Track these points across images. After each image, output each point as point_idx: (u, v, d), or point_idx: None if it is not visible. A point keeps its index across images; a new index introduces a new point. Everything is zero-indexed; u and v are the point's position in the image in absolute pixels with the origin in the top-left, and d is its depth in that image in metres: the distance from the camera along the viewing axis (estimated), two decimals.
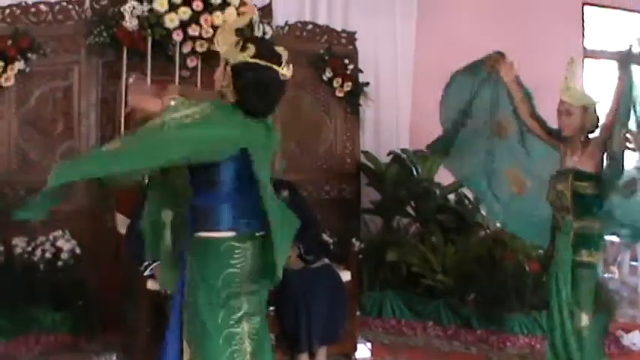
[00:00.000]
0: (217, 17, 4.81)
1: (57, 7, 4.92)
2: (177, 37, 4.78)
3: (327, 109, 5.93)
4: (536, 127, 3.99)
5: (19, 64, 4.74)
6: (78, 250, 4.63)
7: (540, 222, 4.00)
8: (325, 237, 5.21)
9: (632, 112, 3.60)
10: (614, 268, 5.78)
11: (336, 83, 5.83)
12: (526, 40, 6.34)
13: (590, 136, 3.78)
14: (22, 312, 4.45)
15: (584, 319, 3.63)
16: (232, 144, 2.51)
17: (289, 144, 5.53)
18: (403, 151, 6.07)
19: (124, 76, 4.86)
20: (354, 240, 5.42)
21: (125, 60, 4.86)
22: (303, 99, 5.75)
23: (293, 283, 4.01)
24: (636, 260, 6.75)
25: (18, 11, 4.84)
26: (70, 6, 4.94)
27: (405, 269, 5.38)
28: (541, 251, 4.93)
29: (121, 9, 4.80)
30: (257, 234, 2.61)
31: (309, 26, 5.88)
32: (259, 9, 5.21)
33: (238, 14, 4.63)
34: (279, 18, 5.72)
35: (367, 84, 6.02)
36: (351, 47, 6.00)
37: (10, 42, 4.70)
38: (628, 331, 4.95)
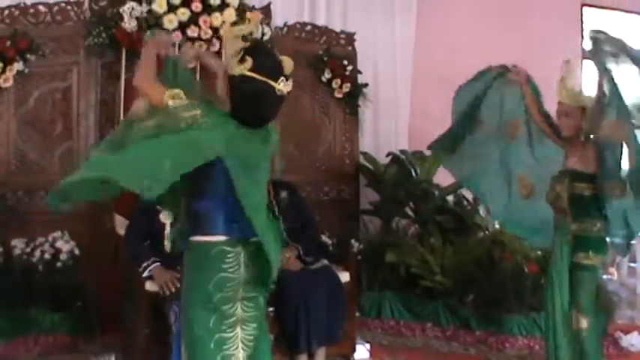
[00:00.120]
0: (216, 18, 4.82)
1: (56, 8, 4.92)
2: (176, 38, 4.78)
3: (326, 110, 5.94)
4: (545, 126, 3.97)
5: (17, 65, 4.74)
6: (77, 252, 4.63)
7: (544, 223, 3.98)
8: (324, 238, 5.21)
9: (613, 103, 3.59)
10: (612, 270, 5.77)
11: (335, 84, 5.83)
12: (525, 41, 6.35)
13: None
14: (21, 313, 4.44)
15: (583, 322, 3.61)
16: (210, 151, 2.48)
17: (288, 145, 5.53)
18: (402, 152, 6.08)
19: (123, 77, 4.86)
20: (352, 241, 5.43)
21: (124, 61, 4.86)
22: (302, 100, 5.75)
23: (292, 284, 4.02)
24: (635, 262, 6.75)
25: (17, 12, 4.84)
26: (69, 7, 4.94)
27: (404, 270, 5.38)
28: (540, 252, 4.95)
29: (120, 10, 4.80)
30: (251, 239, 2.59)
31: (308, 27, 5.88)
32: (258, 9, 5.21)
33: (238, 17, 4.64)
34: (278, 19, 5.72)
35: (366, 85, 6.03)
36: (350, 48, 6.01)
37: (8, 43, 4.70)
38: (627, 332, 4.95)
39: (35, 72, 4.85)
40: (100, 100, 5.02)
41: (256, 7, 5.23)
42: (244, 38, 2.61)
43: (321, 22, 6.13)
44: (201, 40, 4.85)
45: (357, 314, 4.95)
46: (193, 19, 4.80)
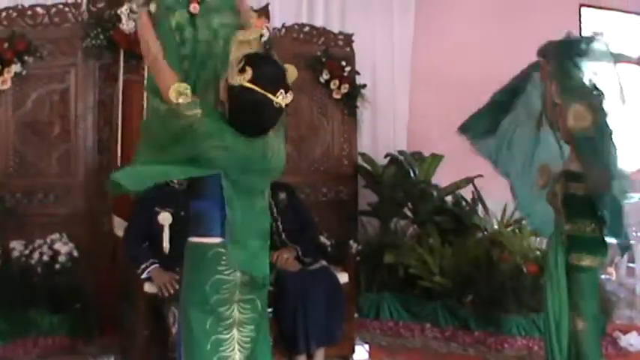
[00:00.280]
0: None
1: (53, 9, 4.92)
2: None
3: (325, 111, 5.94)
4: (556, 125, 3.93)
5: (15, 67, 4.74)
6: (75, 253, 4.63)
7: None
8: (323, 239, 5.21)
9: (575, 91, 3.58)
10: (611, 270, 5.77)
11: (333, 85, 5.83)
12: (523, 41, 6.34)
13: None
14: (19, 315, 4.44)
15: (580, 324, 3.59)
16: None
17: (286, 146, 5.50)
18: (400, 153, 6.07)
19: (121, 78, 4.86)
20: (351, 242, 5.43)
21: (122, 62, 4.87)
22: (300, 101, 5.75)
23: (291, 285, 4.02)
24: (634, 262, 6.76)
25: (14, 14, 4.84)
26: (67, 9, 4.94)
27: (403, 271, 5.38)
28: (539, 253, 4.95)
29: (118, 11, 4.80)
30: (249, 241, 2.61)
31: (306, 28, 5.88)
32: (256, 11, 5.20)
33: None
34: (277, 20, 5.72)
35: (364, 86, 6.03)
36: (348, 49, 6.01)
37: (6, 45, 4.70)
38: (625, 332, 4.95)
39: (33, 74, 4.85)
40: (98, 101, 5.02)
41: (254, 8, 5.22)
42: (250, 43, 2.61)
43: (319, 23, 6.13)
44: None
45: (356, 315, 4.95)
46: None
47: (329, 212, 5.73)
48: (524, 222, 5.45)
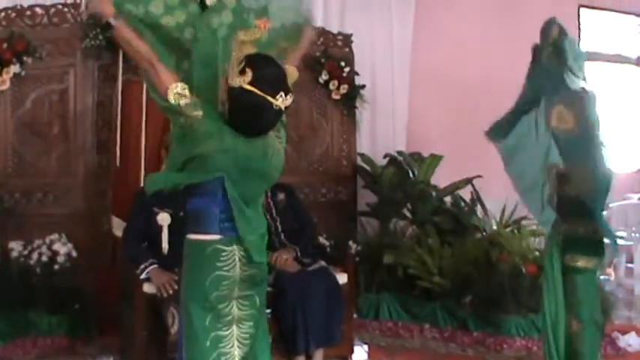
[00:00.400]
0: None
1: (52, 10, 4.92)
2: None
3: (324, 111, 5.93)
4: None
5: (14, 68, 4.74)
6: (74, 254, 4.62)
7: None
8: (322, 239, 5.21)
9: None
10: (610, 270, 5.78)
11: (332, 86, 5.83)
12: (522, 41, 6.35)
13: None
14: (18, 315, 4.44)
15: (574, 325, 3.59)
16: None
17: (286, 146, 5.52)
18: (399, 153, 6.08)
19: (120, 79, 4.86)
20: (350, 242, 5.43)
21: (121, 63, 4.86)
22: (299, 101, 5.74)
23: (290, 285, 4.02)
24: (632, 262, 6.76)
25: (13, 14, 4.83)
26: (66, 9, 4.94)
27: (402, 271, 5.38)
28: (537, 253, 4.95)
29: None
30: (247, 238, 2.62)
31: None
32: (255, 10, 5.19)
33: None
34: (275, 20, 5.70)
35: (363, 86, 6.02)
36: (347, 50, 6.00)
37: (5, 45, 4.70)
38: (624, 332, 4.95)
39: (32, 74, 4.85)
40: (97, 102, 5.01)
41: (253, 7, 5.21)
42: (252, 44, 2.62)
43: (318, 23, 6.11)
44: None
45: (355, 315, 4.95)
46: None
47: (328, 213, 5.73)
48: (523, 222, 5.47)
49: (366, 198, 6.03)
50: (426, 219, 5.68)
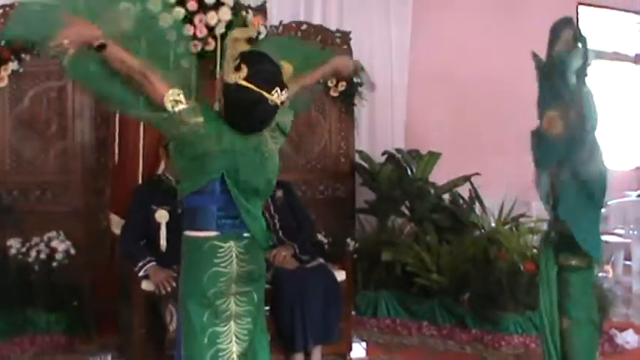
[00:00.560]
0: (212, 17, 4.80)
1: None
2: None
3: (322, 109, 5.93)
4: None
5: (12, 65, 4.74)
6: (72, 251, 4.62)
7: None
8: (320, 237, 5.21)
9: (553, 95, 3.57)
10: (608, 268, 5.79)
11: (330, 83, 5.81)
12: (521, 39, 6.36)
13: None
14: (16, 313, 4.44)
15: (565, 323, 3.58)
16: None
17: (283, 144, 5.51)
18: (398, 150, 6.08)
19: None
20: (348, 240, 5.42)
21: None
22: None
23: (288, 282, 4.01)
24: (630, 260, 6.77)
25: (11, 12, 4.82)
26: None
27: (400, 269, 5.38)
28: (535, 251, 4.95)
29: None
30: (245, 234, 2.65)
31: (304, 26, 5.86)
32: (254, 9, 5.20)
33: (234, 15, 4.63)
34: (274, 18, 5.71)
35: (362, 84, 6.02)
36: (345, 47, 5.99)
37: (3, 42, 4.69)
38: (622, 329, 4.95)
39: (30, 71, 4.84)
40: (95, 99, 5.00)
41: (252, 5, 5.21)
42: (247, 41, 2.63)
43: (316, 21, 6.12)
44: (197, 39, 4.83)
45: (353, 313, 4.94)
46: (189, 18, 4.78)
47: (326, 210, 5.72)
48: (521, 220, 5.48)
49: (364, 195, 6.03)
50: (424, 216, 5.68)
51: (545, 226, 4.37)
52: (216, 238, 2.60)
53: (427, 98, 6.69)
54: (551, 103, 3.60)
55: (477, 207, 5.78)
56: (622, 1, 8.25)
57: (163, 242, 3.98)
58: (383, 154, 6.07)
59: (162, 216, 3.99)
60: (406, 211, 5.88)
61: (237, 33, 2.64)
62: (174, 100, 2.52)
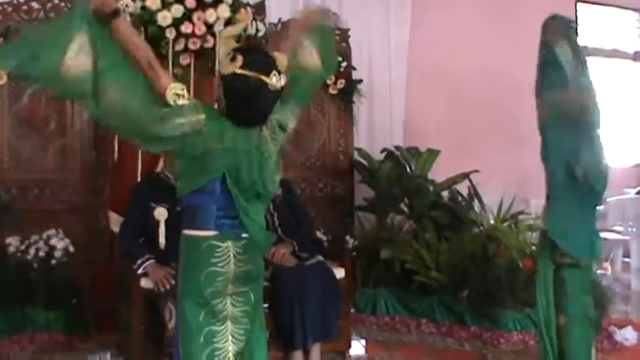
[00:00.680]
0: (210, 15, 4.79)
1: (49, 4, 4.90)
2: (170, 34, 4.75)
3: (321, 106, 5.93)
4: None
5: None
6: (71, 249, 4.62)
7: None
8: (319, 234, 5.21)
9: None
10: (606, 265, 5.79)
11: (329, 80, 5.82)
12: (519, 37, 6.36)
13: None
14: (15, 311, 4.44)
15: (561, 320, 3.58)
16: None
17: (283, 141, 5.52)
18: (397, 148, 6.08)
19: None
20: (347, 237, 5.42)
21: None
22: None
23: (287, 280, 4.01)
24: (629, 257, 6.78)
25: (10, 9, 4.82)
26: (62, 3, 4.92)
27: (399, 266, 5.39)
28: (534, 248, 4.95)
29: None
30: (243, 235, 2.64)
31: None
32: (252, 6, 5.19)
33: (232, 13, 4.62)
34: (273, 15, 5.71)
35: (360, 81, 6.02)
36: (344, 44, 5.99)
37: (1, 40, 4.68)
38: (621, 326, 4.95)
39: None
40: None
41: (251, 3, 5.20)
42: (238, 39, 2.62)
43: None
44: (196, 36, 4.82)
45: (352, 310, 4.94)
46: (187, 16, 4.76)
47: (325, 207, 5.73)
48: (520, 217, 5.48)
49: (363, 193, 6.03)
50: (423, 214, 5.68)
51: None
52: (214, 237, 2.60)
53: (426, 96, 6.69)
54: (544, 92, 3.59)
55: (476, 204, 5.78)
56: None
57: (162, 240, 3.97)
58: (382, 151, 6.08)
59: (161, 214, 3.99)
60: (405, 209, 5.89)
61: (227, 32, 2.64)
62: (177, 93, 2.51)
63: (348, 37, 6.02)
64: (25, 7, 4.85)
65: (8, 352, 4.32)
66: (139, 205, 4.07)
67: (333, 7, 6.27)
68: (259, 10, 5.34)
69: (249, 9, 4.76)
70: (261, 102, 2.58)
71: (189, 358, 2.61)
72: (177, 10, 4.72)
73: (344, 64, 5.87)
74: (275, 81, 2.56)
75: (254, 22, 5.09)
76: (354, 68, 6.00)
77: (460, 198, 5.84)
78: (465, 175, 5.83)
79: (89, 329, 4.62)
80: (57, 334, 4.54)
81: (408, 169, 5.96)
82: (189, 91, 2.57)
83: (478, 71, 6.70)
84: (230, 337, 2.64)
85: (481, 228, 5.56)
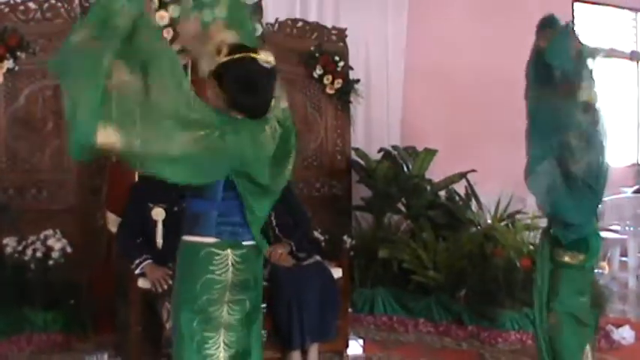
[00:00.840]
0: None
1: (46, 5, 4.90)
2: (167, 34, 4.76)
3: (318, 106, 5.93)
4: None
5: (7, 63, 4.73)
6: (69, 249, 4.61)
7: None
8: (316, 234, 5.20)
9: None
10: (604, 264, 5.80)
11: (326, 80, 5.82)
12: (517, 36, 6.37)
13: None
14: (13, 312, 4.43)
15: (551, 318, 3.58)
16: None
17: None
18: (394, 147, 6.09)
19: None
20: (345, 237, 5.42)
21: None
22: (293, 96, 5.73)
23: (284, 280, 4.01)
24: (626, 256, 6.79)
25: (6, 9, 4.82)
26: (59, 4, 4.92)
27: (396, 266, 5.39)
28: (532, 247, 4.96)
29: None
30: (244, 242, 2.61)
31: (300, 23, 5.87)
32: (250, 6, 5.19)
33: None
34: (270, 15, 5.71)
35: (358, 81, 6.02)
36: (341, 44, 5.99)
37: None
38: (618, 325, 4.96)
39: (25, 69, 4.83)
40: None
41: (247, 3, 5.20)
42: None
43: (312, 18, 6.12)
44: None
45: (350, 310, 4.94)
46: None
47: (323, 207, 5.73)
48: (517, 216, 5.48)
49: (360, 192, 6.04)
50: (420, 213, 5.68)
51: (541, 223, 4.39)
52: (213, 245, 2.56)
53: (423, 95, 6.69)
54: (535, 88, 3.61)
55: (473, 204, 5.79)
56: None
57: (160, 240, 3.98)
58: (379, 151, 6.08)
59: (158, 214, 3.99)
60: (402, 208, 5.89)
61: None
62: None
63: (346, 36, 6.02)
64: (21, 8, 4.85)
65: (6, 352, 4.31)
66: (136, 206, 4.07)
67: (330, 7, 6.31)
68: (256, 10, 5.35)
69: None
70: (258, 82, 2.56)
71: None
72: (175, 10, 4.73)
73: (341, 63, 5.87)
74: (265, 56, 2.55)
75: (251, 22, 5.09)
76: (352, 68, 6.00)
77: (457, 197, 5.85)
78: (462, 175, 5.83)
79: (87, 329, 4.61)
80: (55, 335, 4.53)
81: (406, 169, 5.96)
82: None
83: (475, 71, 6.71)
84: (222, 345, 2.61)
85: (478, 227, 5.57)
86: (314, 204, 5.54)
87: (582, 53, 3.59)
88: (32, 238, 4.60)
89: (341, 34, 6.00)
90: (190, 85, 2.44)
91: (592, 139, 3.48)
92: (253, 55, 2.53)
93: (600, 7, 8.29)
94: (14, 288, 4.45)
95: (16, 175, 4.86)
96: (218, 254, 2.56)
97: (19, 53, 4.76)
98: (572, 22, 3.84)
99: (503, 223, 5.43)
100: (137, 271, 3.85)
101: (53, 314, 4.53)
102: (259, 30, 5.24)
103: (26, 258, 4.51)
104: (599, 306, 4.88)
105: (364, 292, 5.41)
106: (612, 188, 6.63)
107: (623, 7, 8.45)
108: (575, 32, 3.73)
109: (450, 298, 5.17)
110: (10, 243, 4.55)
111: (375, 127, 6.52)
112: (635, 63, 8.67)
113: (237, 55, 2.52)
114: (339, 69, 5.85)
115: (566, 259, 3.55)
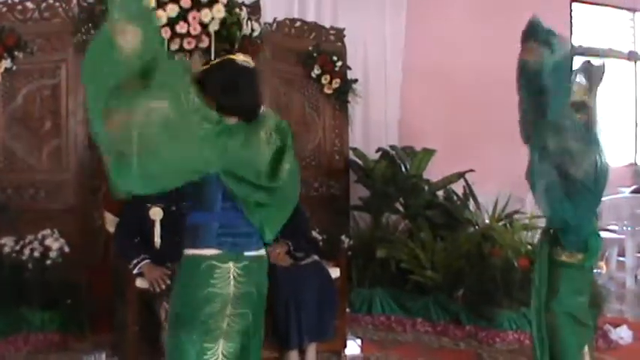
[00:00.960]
0: (205, 15, 4.79)
1: (43, 4, 4.90)
2: (165, 34, 4.75)
3: (316, 106, 5.93)
4: None
5: (5, 63, 4.73)
6: (66, 249, 4.61)
7: None
8: (314, 234, 5.21)
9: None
10: (602, 264, 5.80)
11: (324, 80, 5.83)
12: (515, 36, 6.37)
13: None
14: (10, 311, 4.43)
15: (548, 317, 3.58)
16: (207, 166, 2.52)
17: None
18: (392, 147, 6.09)
19: None
20: (343, 237, 5.43)
21: None
22: (291, 96, 5.75)
23: (282, 280, 4.01)
24: (624, 256, 6.79)
25: (4, 9, 4.82)
26: (57, 3, 4.92)
27: (394, 265, 5.39)
28: (530, 247, 4.97)
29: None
30: (246, 253, 2.60)
31: (298, 23, 5.87)
32: (248, 6, 5.19)
33: (227, 13, 4.63)
34: (268, 15, 5.71)
35: (356, 81, 6.03)
36: (339, 44, 6.00)
37: None
38: (616, 325, 4.97)
39: (23, 69, 4.84)
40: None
41: (246, 3, 5.21)
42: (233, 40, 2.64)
43: (310, 18, 6.12)
44: (191, 36, 4.82)
45: (348, 310, 4.94)
46: (182, 15, 4.77)
47: (320, 207, 5.73)
48: (515, 216, 5.48)
49: (358, 192, 6.04)
50: (418, 213, 5.69)
51: (539, 223, 4.39)
52: (215, 257, 2.55)
53: (421, 95, 6.69)
54: (529, 101, 3.62)
55: (471, 203, 5.79)
56: None
57: (157, 240, 3.97)
58: (377, 150, 6.08)
59: (156, 213, 3.98)
60: (400, 208, 5.89)
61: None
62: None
63: (344, 36, 6.03)
64: (19, 7, 4.85)
65: (3, 352, 4.31)
66: (134, 205, 4.06)
67: (328, 7, 6.31)
68: (254, 10, 5.35)
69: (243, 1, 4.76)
70: (240, 80, 2.58)
71: None
72: (173, 9, 4.73)
73: (339, 63, 5.87)
74: (242, 57, 2.59)
75: (249, 22, 5.10)
76: (350, 68, 6.00)
77: (455, 197, 5.85)
78: (460, 175, 5.84)
79: (84, 329, 4.61)
80: (52, 335, 4.52)
81: (404, 169, 5.97)
82: None
83: (473, 71, 6.71)
84: (221, 356, 2.60)
85: (476, 227, 5.57)
86: (312, 204, 5.53)
87: (572, 55, 3.59)
88: (30, 237, 4.60)
89: (339, 33, 6.01)
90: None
91: (590, 141, 3.49)
92: (231, 56, 2.57)
93: (598, 7, 8.29)
94: (12, 288, 4.44)
95: (14, 175, 4.86)
96: (219, 267, 2.55)
97: (16, 53, 4.76)
98: (554, 27, 3.80)
99: (501, 223, 5.44)
100: (135, 271, 3.85)
101: (51, 314, 4.53)
102: (257, 30, 5.24)
103: (24, 258, 4.51)
104: (597, 306, 4.88)
105: (362, 291, 5.41)
106: (610, 188, 6.63)
107: (621, 8, 8.46)
108: (558, 37, 3.70)
109: (447, 298, 5.17)
110: (7, 243, 4.55)
111: (373, 126, 6.52)
112: (633, 63, 8.68)
113: (215, 62, 2.57)
114: (337, 69, 5.85)
115: (566, 258, 3.55)
